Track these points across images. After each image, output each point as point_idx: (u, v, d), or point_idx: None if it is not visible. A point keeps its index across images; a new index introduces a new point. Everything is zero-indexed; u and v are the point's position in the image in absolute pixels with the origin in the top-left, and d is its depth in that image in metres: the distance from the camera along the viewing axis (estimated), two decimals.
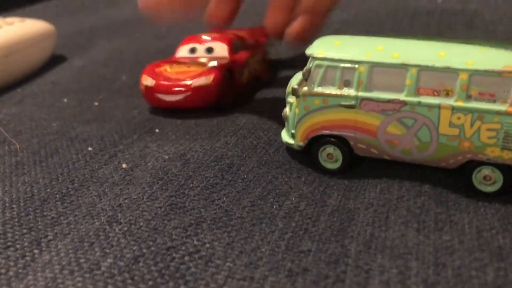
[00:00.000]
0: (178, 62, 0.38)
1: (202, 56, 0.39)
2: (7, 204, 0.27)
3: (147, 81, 0.37)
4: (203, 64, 0.38)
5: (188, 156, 0.31)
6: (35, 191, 0.28)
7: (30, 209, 0.27)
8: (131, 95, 0.42)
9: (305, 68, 0.28)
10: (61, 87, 0.45)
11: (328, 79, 0.27)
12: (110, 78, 0.46)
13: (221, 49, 0.39)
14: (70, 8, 0.78)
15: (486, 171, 0.25)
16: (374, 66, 0.26)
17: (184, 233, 0.24)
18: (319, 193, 0.27)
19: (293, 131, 0.29)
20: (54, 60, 0.53)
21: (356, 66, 0.26)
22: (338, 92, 0.27)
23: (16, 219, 0.26)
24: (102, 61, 0.51)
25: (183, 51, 0.40)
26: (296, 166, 0.29)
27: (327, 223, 0.25)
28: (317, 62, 0.27)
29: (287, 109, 0.30)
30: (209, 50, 0.40)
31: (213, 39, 0.40)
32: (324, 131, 0.28)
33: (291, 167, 0.29)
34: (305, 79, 0.28)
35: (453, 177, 0.27)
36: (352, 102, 0.27)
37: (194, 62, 0.38)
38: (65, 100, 0.42)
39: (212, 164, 0.30)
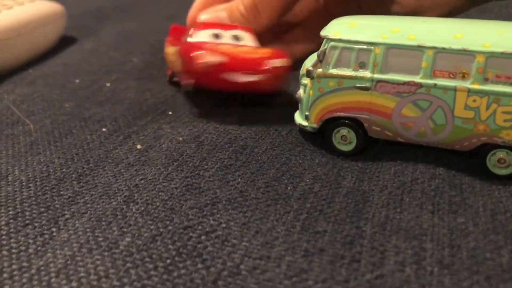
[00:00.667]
0: (223, 44, 0.34)
1: (230, 42, 0.35)
2: (23, 183, 0.28)
3: (213, 57, 0.31)
4: (256, 49, 0.34)
5: (202, 138, 0.31)
6: (51, 170, 0.29)
7: (47, 188, 0.27)
8: (142, 77, 0.42)
9: (319, 50, 0.28)
10: (72, 68, 0.45)
11: (343, 61, 0.27)
12: (121, 60, 0.46)
13: (248, 38, 0.36)
14: None
15: (500, 154, 0.26)
16: (389, 48, 0.26)
17: (201, 213, 0.24)
18: (333, 175, 0.27)
19: (307, 113, 0.29)
20: (64, 42, 0.53)
21: (372, 48, 0.26)
22: (353, 74, 0.27)
23: (33, 198, 0.26)
24: (113, 43, 0.51)
25: (203, 36, 0.35)
26: (309, 148, 0.30)
27: (341, 204, 0.25)
28: (332, 43, 0.27)
29: (301, 91, 0.30)
30: (236, 37, 0.36)
31: (234, 27, 0.37)
32: (338, 113, 0.28)
33: (305, 148, 0.29)
34: (320, 60, 0.28)
35: (467, 160, 0.27)
36: (367, 84, 0.27)
37: (240, 46, 0.34)
38: (77, 81, 0.42)
39: (226, 146, 0.30)
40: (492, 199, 0.24)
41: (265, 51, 0.33)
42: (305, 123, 0.30)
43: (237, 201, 0.25)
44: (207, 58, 0.31)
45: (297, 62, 0.41)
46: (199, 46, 0.33)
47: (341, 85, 0.27)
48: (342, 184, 0.26)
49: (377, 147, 0.29)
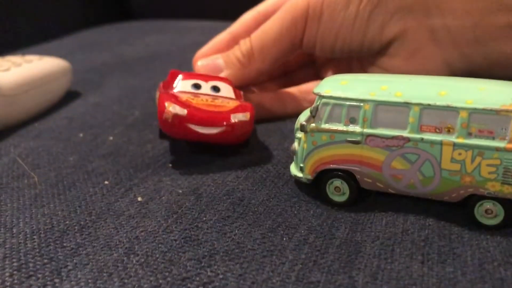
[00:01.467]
0: (197, 95, 0.37)
1: (208, 93, 0.38)
2: (28, 235, 0.29)
3: (176, 109, 0.34)
4: (227, 101, 0.36)
5: (201, 190, 0.32)
6: (55, 222, 0.30)
7: (50, 240, 0.28)
8: (144, 129, 0.43)
9: (312, 106, 0.29)
10: (76, 122, 0.47)
11: (335, 116, 0.29)
12: (123, 113, 0.48)
13: (227, 90, 0.39)
14: (83, 45, 0.81)
15: (487, 205, 0.27)
16: (378, 104, 0.28)
17: (198, 264, 0.25)
18: (327, 226, 0.28)
19: (301, 165, 0.30)
20: (69, 96, 0.55)
21: (361, 104, 0.28)
22: (344, 128, 0.28)
23: (37, 250, 0.27)
24: (116, 97, 0.53)
25: (185, 86, 0.38)
26: (304, 199, 0.31)
27: (335, 255, 0.26)
28: (324, 100, 0.29)
29: (295, 144, 0.31)
30: (215, 88, 0.38)
31: (214, 78, 0.39)
32: (331, 165, 0.29)
33: (300, 200, 0.31)
34: (313, 116, 0.29)
35: (456, 210, 0.28)
36: (358, 138, 0.28)
37: (215, 97, 0.37)
38: (81, 135, 0.43)
39: (224, 197, 0.31)
40: (480, 248, 0.25)
41: (232, 105, 0.36)
42: (300, 174, 0.31)
43: (234, 253, 0.26)
44: (169, 108, 0.33)
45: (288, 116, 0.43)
46: (167, 97, 0.35)
47: (333, 139, 0.29)
48: (336, 235, 0.27)
49: (369, 198, 0.30)
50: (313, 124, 0.29)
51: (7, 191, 0.34)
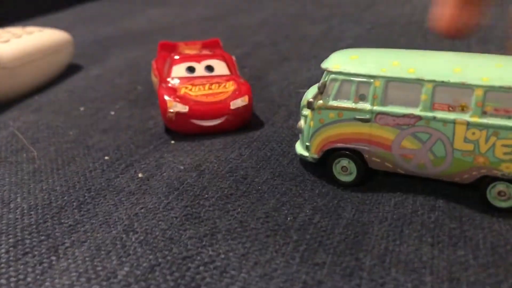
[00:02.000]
0: (194, 83, 0.37)
1: (203, 75, 0.38)
2: (25, 211, 0.28)
3: (177, 107, 0.35)
4: (222, 83, 0.37)
5: (203, 167, 0.31)
6: (53, 198, 0.29)
7: (48, 216, 0.27)
8: (146, 105, 0.42)
9: (320, 82, 0.28)
10: (77, 95, 0.46)
11: (344, 93, 0.27)
12: (126, 88, 0.47)
13: (221, 66, 0.39)
14: (85, 18, 0.79)
15: (500, 186, 0.26)
16: (389, 81, 0.26)
17: (199, 243, 0.24)
18: (333, 206, 0.27)
19: (307, 144, 0.29)
20: (71, 69, 0.53)
21: (372, 80, 0.27)
22: (353, 106, 0.27)
23: (34, 226, 0.26)
24: (118, 71, 0.52)
25: (179, 71, 0.38)
26: (310, 178, 0.30)
27: (341, 236, 0.25)
28: (332, 76, 0.28)
29: (301, 122, 0.30)
30: (209, 68, 0.39)
31: (207, 56, 0.39)
32: (338, 144, 0.28)
33: (305, 179, 0.30)
34: (320, 92, 0.28)
35: (467, 192, 0.27)
36: (367, 116, 0.27)
37: (210, 81, 0.37)
38: (82, 108, 0.42)
39: (227, 175, 0.30)
40: (493, 232, 0.24)
41: (229, 88, 0.36)
42: (306, 153, 0.30)
43: (236, 232, 0.25)
44: (171, 108, 0.35)
45: (298, 95, 0.42)
46: (167, 92, 0.36)
47: (341, 116, 0.28)
48: (342, 216, 0.26)
49: (377, 179, 0.29)
50: (320, 101, 0.28)
51: (5, 165, 0.33)
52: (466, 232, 0.24)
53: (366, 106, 0.27)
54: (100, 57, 0.58)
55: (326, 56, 0.29)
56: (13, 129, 0.39)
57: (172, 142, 0.35)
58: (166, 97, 0.35)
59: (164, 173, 0.31)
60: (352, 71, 0.27)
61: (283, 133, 0.35)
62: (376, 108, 0.27)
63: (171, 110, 0.35)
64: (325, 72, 0.28)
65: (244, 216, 0.26)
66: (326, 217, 0.26)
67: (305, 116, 0.30)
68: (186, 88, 0.36)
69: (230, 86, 0.37)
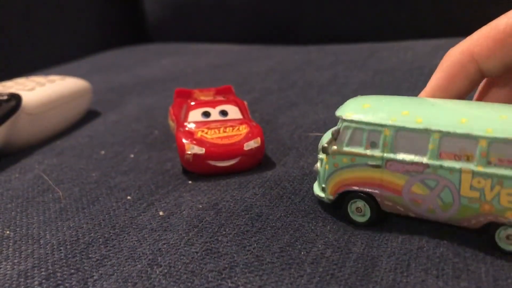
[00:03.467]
0: (209, 127, 0.40)
1: (218, 119, 0.41)
2: (55, 246, 0.30)
3: (194, 149, 0.37)
4: (236, 126, 0.40)
5: (220, 205, 0.33)
6: (80, 235, 0.31)
7: (76, 251, 0.29)
8: (164, 148, 0.44)
9: (334, 128, 0.30)
10: (97, 140, 0.48)
11: (356, 140, 0.29)
12: (143, 132, 0.49)
13: (234, 111, 0.42)
14: (102, 67, 0.83)
15: (510, 231, 0.27)
16: (398, 130, 0.28)
17: (219, 276, 0.26)
18: (344, 241, 0.29)
19: (323, 186, 0.31)
20: (90, 115, 0.56)
21: (382, 129, 0.28)
22: (364, 152, 0.29)
23: (64, 260, 0.28)
24: (135, 116, 0.55)
25: (195, 115, 0.41)
26: (321, 215, 0.32)
27: (352, 269, 0.26)
28: (345, 123, 0.29)
29: (318, 165, 0.32)
30: (223, 113, 0.42)
31: (221, 102, 0.42)
32: (352, 187, 0.30)
33: (317, 215, 0.31)
34: (334, 138, 0.30)
35: (471, 230, 0.29)
36: (378, 162, 0.29)
37: (224, 124, 0.40)
38: (102, 152, 0.45)
39: (243, 213, 0.32)
40: (494, 266, 0.26)
41: (242, 131, 0.39)
42: (322, 194, 0.32)
43: (253, 265, 0.27)
44: (188, 150, 0.37)
45: (307, 138, 0.44)
46: (185, 136, 0.39)
47: (354, 161, 0.29)
48: (353, 250, 0.28)
49: (386, 217, 0.31)
50: (334, 147, 0.30)
51: (33, 204, 0.35)
52: (469, 266, 0.26)
53: (377, 153, 0.29)
54: (117, 104, 0.60)
55: (333, 101, 0.31)
56: (38, 171, 0.41)
57: (190, 182, 0.37)
58: (184, 140, 0.38)
59: (184, 212, 0.33)
60: (364, 119, 0.29)
61: (294, 173, 0.37)
62: (386, 155, 0.28)
63: (189, 152, 0.37)
64: (339, 119, 0.30)
65: (260, 251, 0.28)
66: (337, 251, 0.28)
67: (321, 160, 0.31)
68: (202, 131, 0.39)
69: (243, 129, 0.40)
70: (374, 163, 0.29)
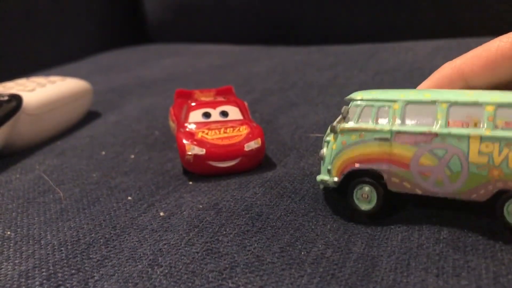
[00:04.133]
0: (210, 128, 0.40)
1: (218, 120, 0.41)
2: (55, 247, 0.30)
3: (195, 150, 0.37)
4: (237, 127, 0.40)
5: (221, 205, 0.33)
6: (81, 235, 0.31)
7: (77, 251, 0.29)
8: (164, 149, 0.44)
9: (343, 108, 0.31)
10: (98, 140, 0.48)
11: (365, 117, 0.30)
12: (143, 133, 0.49)
13: (235, 112, 0.42)
14: (102, 67, 0.83)
15: None
16: (407, 103, 0.29)
17: (220, 276, 0.26)
18: (344, 240, 0.29)
19: (329, 167, 0.31)
20: (90, 116, 0.56)
21: (391, 104, 0.29)
22: (373, 127, 0.29)
23: (65, 261, 0.28)
24: (135, 117, 0.55)
25: (196, 116, 0.41)
26: (321, 214, 0.32)
27: (352, 268, 0.26)
28: (355, 102, 0.30)
29: (324, 149, 0.32)
30: (224, 113, 0.42)
31: (222, 102, 0.42)
32: (359, 164, 0.30)
33: (317, 215, 0.32)
34: (343, 117, 0.31)
35: (470, 222, 0.29)
36: (387, 135, 0.29)
37: (225, 125, 0.40)
38: (103, 152, 0.45)
39: (243, 213, 0.32)
40: (495, 261, 0.26)
41: (243, 132, 0.39)
42: (326, 177, 0.31)
43: (254, 265, 0.27)
44: (189, 151, 0.37)
45: (308, 138, 0.44)
46: (185, 136, 0.39)
47: (362, 137, 0.30)
48: (353, 250, 0.28)
49: (385, 215, 0.31)
50: (343, 124, 0.30)
51: (34, 205, 0.35)
52: (469, 262, 0.26)
53: (386, 126, 0.29)
54: (117, 104, 0.61)
55: (334, 101, 0.31)
56: (39, 172, 0.41)
57: (190, 183, 0.37)
58: (184, 141, 0.38)
59: (184, 212, 0.33)
60: (373, 97, 0.30)
61: (294, 174, 0.37)
62: (395, 128, 0.29)
63: (189, 153, 0.37)
64: (349, 102, 0.31)
65: (261, 251, 0.28)
66: (337, 251, 0.28)
67: (328, 142, 0.32)
68: (203, 132, 0.39)
69: (244, 130, 0.40)
70: (382, 136, 0.29)
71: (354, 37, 0.81)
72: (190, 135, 0.39)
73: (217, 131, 0.39)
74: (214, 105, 0.42)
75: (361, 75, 0.61)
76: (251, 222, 0.31)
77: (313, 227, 0.30)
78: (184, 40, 0.97)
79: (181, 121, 0.42)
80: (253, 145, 0.38)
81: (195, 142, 0.38)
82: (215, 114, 0.41)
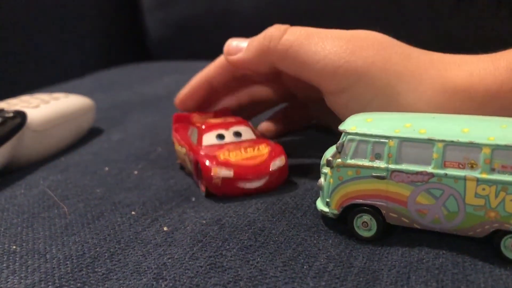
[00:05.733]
0: (229, 149, 0.39)
1: (233, 141, 0.40)
2: (61, 261, 0.30)
3: (222, 172, 0.37)
4: (255, 146, 0.39)
5: (224, 221, 0.34)
6: (86, 249, 0.31)
7: (83, 265, 0.30)
8: (167, 166, 0.45)
9: (338, 142, 0.31)
10: (101, 157, 0.49)
11: (360, 152, 0.30)
12: (146, 149, 0.50)
13: (247, 132, 0.41)
14: (104, 85, 0.84)
15: None
16: (403, 141, 0.29)
17: None
18: (345, 255, 0.29)
19: (327, 200, 0.31)
20: (93, 132, 0.57)
21: (386, 140, 0.29)
22: (369, 164, 0.30)
23: (71, 274, 0.29)
24: (138, 134, 0.55)
25: (209, 139, 0.40)
26: (323, 228, 0.32)
27: (354, 282, 0.27)
28: (349, 136, 0.30)
29: (321, 180, 0.32)
30: (237, 134, 0.41)
31: (233, 123, 0.42)
32: (357, 200, 0.30)
33: (319, 229, 0.32)
34: (339, 151, 0.30)
35: (469, 240, 0.29)
36: (383, 174, 0.29)
37: (243, 146, 0.39)
38: (106, 168, 0.45)
39: (246, 228, 0.33)
40: (493, 276, 0.26)
41: (264, 151, 0.39)
42: (326, 209, 0.32)
43: (257, 279, 0.27)
44: (215, 173, 0.37)
45: (302, 153, 0.45)
46: (209, 159, 0.38)
47: (359, 174, 0.30)
48: (354, 264, 0.28)
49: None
50: (339, 160, 0.30)
51: (38, 220, 0.36)
52: (468, 276, 0.26)
53: (382, 164, 0.29)
54: (120, 121, 0.61)
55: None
56: (43, 187, 0.42)
57: (193, 199, 0.38)
58: (208, 164, 0.37)
59: (188, 227, 0.33)
60: (368, 132, 0.30)
61: (296, 189, 0.38)
62: (391, 166, 0.29)
63: (218, 175, 0.37)
64: (343, 133, 0.31)
65: (264, 265, 0.29)
66: (339, 265, 0.28)
67: (325, 174, 0.32)
68: (224, 154, 0.38)
69: (265, 149, 0.39)
70: (379, 174, 0.29)
71: None
72: (213, 158, 0.38)
73: (238, 151, 0.38)
74: (226, 126, 0.41)
75: None
76: (254, 237, 0.32)
77: (315, 241, 0.31)
78: (185, 58, 0.98)
79: (194, 145, 0.41)
80: (278, 163, 0.38)
81: (220, 164, 0.37)
82: (229, 135, 0.41)
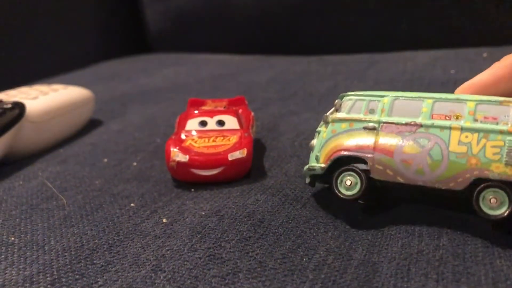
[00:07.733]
0: (202, 136, 0.40)
1: (214, 129, 0.41)
2: (59, 253, 0.30)
3: (179, 156, 0.38)
4: (228, 136, 0.40)
5: (223, 212, 0.34)
6: (84, 241, 0.31)
7: (81, 257, 0.29)
8: None
9: (337, 101, 0.33)
10: (100, 148, 0.49)
11: (356, 108, 0.32)
12: (145, 141, 0.50)
13: (232, 122, 0.42)
14: (104, 76, 0.84)
15: (491, 195, 0.28)
16: (396, 98, 0.31)
17: (223, 281, 0.27)
18: (345, 247, 0.29)
19: (317, 154, 0.33)
20: (92, 124, 0.57)
21: (381, 99, 0.32)
22: (363, 117, 0.32)
23: (69, 266, 0.29)
24: (137, 125, 0.55)
25: (193, 124, 0.41)
26: (322, 221, 0.32)
27: (353, 275, 0.27)
28: (347, 97, 0.33)
29: (314, 140, 0.34)
30: (220, 123, 0.42)
31: (220, 112, 0.42)
32: (346, 152, 0.31)
33: (318, 222, 0.32)
34: (336, 109, 0.33)
35: (469, 231, 0.29)
36: (375, 125, 0.31)
37: (219, 134, 0.40)
38: (105, 160, 0.45)
39: (245, 219, 0.33)
40: (494, 268, 0.26)
41: (231, 141, 0.39)
42: (314, 163, 0.33)
43: (256, 271, 0.27)
44: (173, 156, 0.38)
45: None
46: (173, 143, 0.39)
47: (352, 126, 0.32)
48: (354, 256, 0.28)
49: (385, 221, 0.31)
50: (335, 115, 0.33)
51: (37, 212, 0.36)
52: (469, 268, 0.26)
53: (374, 117, 0.31)
54: (119, 113, 0.61)
55: None
56: (42, 179, 0.41)
57: (192, 190, 0.38)
58: (171, 148, 0.38)
59: (187, 219, 0.33)
60: (365, 93, 0.33)
61: (296, 181, 0.38)
62: (383, 118, 0.31)
63: (173, 159, 0.38)
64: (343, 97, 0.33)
65: (263, 257, 0.29)
66: (339, 258, 0.28)
67: (319, 132, 0.34)
68: (192, 140, 0.40)
69: (233, 139, 0.40)
70: (370, 125, 0.31)
71: (354, 47, 0.82)
72: (179, 142, 0.39)
73: (206, 139, 0.40)
74: (211, 114, 0.42)
75: (360, 84, 0.62)
76: (253, 229, 0.31)
77: (314, 234, 0.31)
78: (185, 50, 0.98)
79: (179, 129, 0.42)
80: (237, 154, 0.38)
81: (180, 149, 0.38)
82: (212, 123, 0.42)
